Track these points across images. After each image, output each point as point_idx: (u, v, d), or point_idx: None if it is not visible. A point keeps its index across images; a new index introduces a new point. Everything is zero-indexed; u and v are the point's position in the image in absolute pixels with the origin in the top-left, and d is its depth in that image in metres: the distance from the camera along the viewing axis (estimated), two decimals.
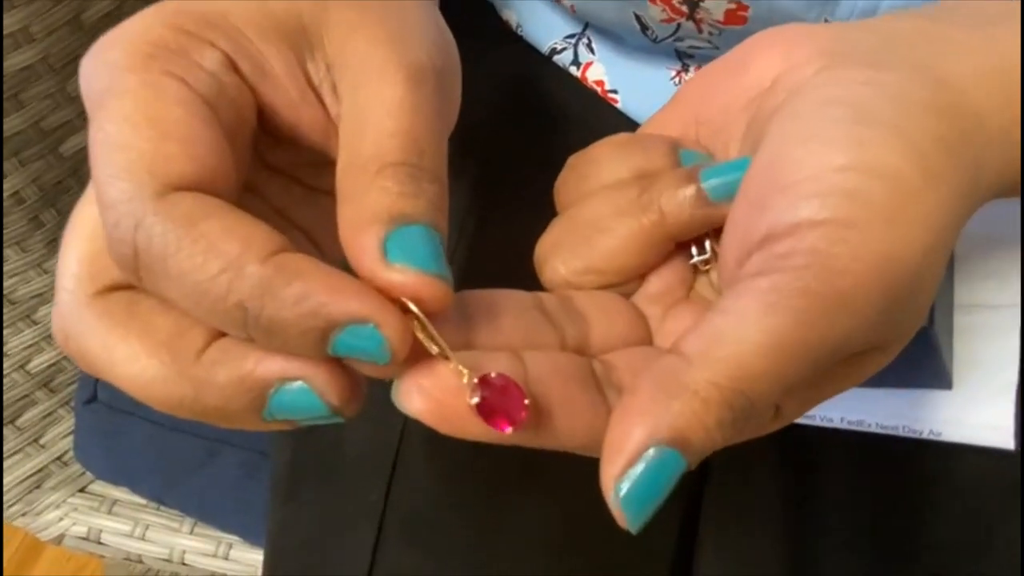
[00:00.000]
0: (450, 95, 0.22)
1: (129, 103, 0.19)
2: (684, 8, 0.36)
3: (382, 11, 0.21)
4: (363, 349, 0.18)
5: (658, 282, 0.24)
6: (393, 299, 0.18)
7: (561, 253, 0.24)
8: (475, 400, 0.18)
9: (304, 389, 0.19)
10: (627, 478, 0.18)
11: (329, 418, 0.19)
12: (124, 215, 0.18)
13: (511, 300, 0.22)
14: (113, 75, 0.19)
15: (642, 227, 0.23)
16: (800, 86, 0.21)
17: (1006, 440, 0.35)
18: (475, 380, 0.19)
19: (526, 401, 0.19)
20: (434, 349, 0.19)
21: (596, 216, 0.23)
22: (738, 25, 0.36)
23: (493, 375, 0.19)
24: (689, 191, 0.22)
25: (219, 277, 0.17)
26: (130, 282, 0.19)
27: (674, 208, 0.23)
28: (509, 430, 0.19)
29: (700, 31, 0.38)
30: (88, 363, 0.20)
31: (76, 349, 0.20)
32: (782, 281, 0.19)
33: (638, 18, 0.38)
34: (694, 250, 0.24)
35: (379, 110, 0.20)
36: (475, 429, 0.19)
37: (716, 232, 0.23)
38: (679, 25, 0.38)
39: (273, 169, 0.23)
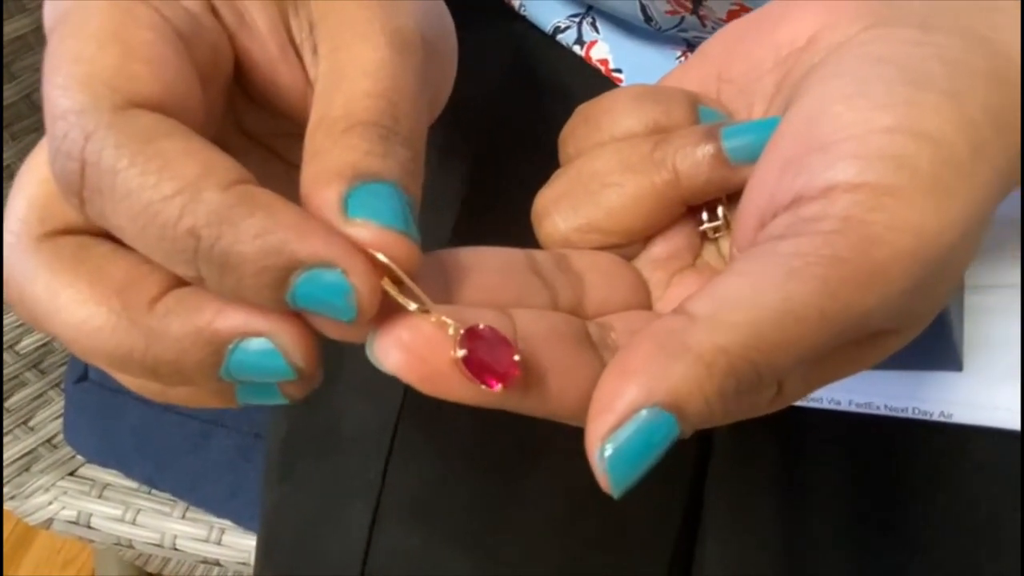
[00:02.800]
0: (439, 71, 0.21)
1: (96, 19, 0.17)
2: (688, 3, 0.36)
3: None
4: (326, 300, 0.16)
5: (663, 246, 0.23)
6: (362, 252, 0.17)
7: (562, 208, 0.22)
8: (461, 353, 0.17)
9: (267, 347, 0.17)
10: (614, 438, 0.17)
11: (289, 384, 0.18)
12: (74, 125, 0.16)
13: (498, 257, 0.20)
14: None
15: (653, 185, 0.21)
16: (842, 44, 0.20)
17: (1018, 421, 0.34)
18: (461, 332, 0.17)
19: (516, 357, 0.17)
20: (411, 305, 0.17)
21: (604, 170, 0.22)
22: None
23: (481, 326, 0.17)
24: (707, 150, 0.21)
25: (173, 199, 0.16)
26: (81, 226, 0.18)
27: (689, 167, 0.21)
28: (499, 388, 0.17)
29: (704, 25, 0.37)
30: (29, 310, 0.18)
31: (17, 295, 0.18)
32: (808, 246, 0.17)
33: (643, 8, 0.38)
34: (704, 215, 0.23)
35: (356, 70, 0.18)
36: (459, 387, 0.17)
37: (729, 198, 0.22)
38: (683, 18, 0.37)
39: (251, 137, 0.22)
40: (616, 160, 0.22)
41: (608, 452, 0.17)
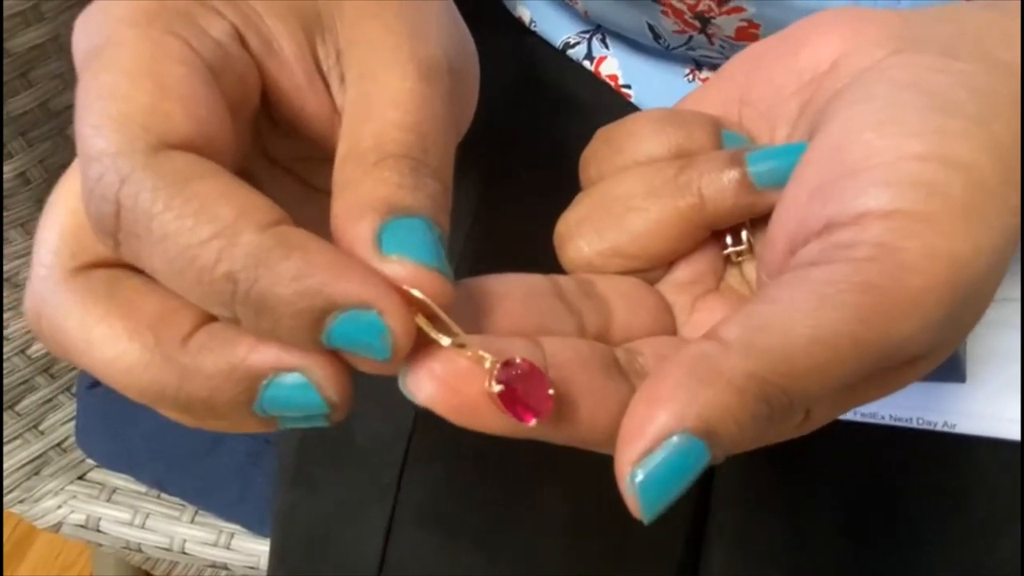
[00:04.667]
0: (464, 98, 0.21)
1: (128, 54, 0.17)
2: (696, 23, 0.36)
3: (401, 2, 0.20)
4: (362, 340, 0.16)
5: (687, 270, 0.22)
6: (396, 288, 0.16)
7: (586, 231, 0.22)
8: (498, 388, 0.16)
9: (300, 382, 0.17)
10: (645, 464, 0.16)
11: (321, 418, 0.18)
12: (110, 168, 0.16)
13: (524, 284, 0.20)
14: (112, 28, 0.17)
15: (678, 210, 0.21)
16: (867, 70, 0.20)
17: (1019, 432, 0.35)
18: (497, 365, 0.17)
19: (551, 391, 0.17)
20: (443, 340, 0.17)
21: (628, 194, 0.22)
22: (750, 41, 0.36)
23: (518, 359, 0.17)
24: (733, 175, 0.21)
25: (210, 242, 0.16)
26: (112, 258, 0.18)
27: (715, 192, 0.21)
28: (534, 422, 0.17)
29: (712, 44, 0.38)
30: (61, 345, 0.18)
31: (49, 329, 0.18)
32: (841, 273, 0.17)
33: (651, 27, 0.39)
34: (728, 239, 0.23)
35: (385, 100, 0.18)
36: (493, 419, 0.17)
37: (752, 222, 0.22)
38: (691, 37, 0.38)
39: (272, 161, 0.22)
40: (640, 184, 0.22)
41: (639, 478, 0.16)
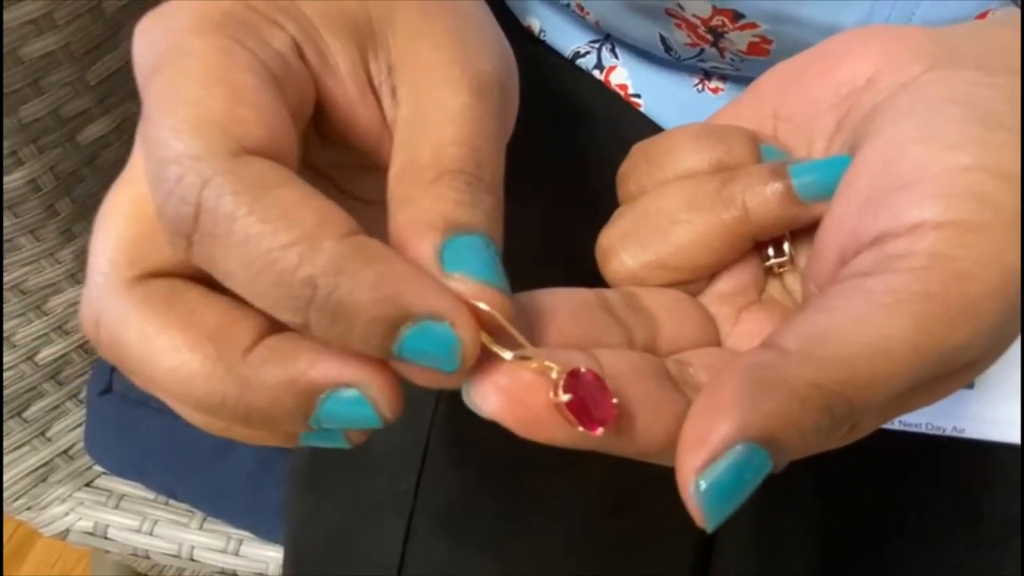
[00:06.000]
0: (509, 110, 0.21)
1: (200, 63, 0.17)
2: (709, 36, 0.37)
3: (450, 18, 0.20)
4: (431, 352, 0.16)
5: (729, 282, 0.23)
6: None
7: (629, 245, 0.22)
8: (566, 398, 0.17)
9: (357, 397, 0.17)
10: (709, 473, 0.16)
11: (356, 430, 0.18)
12: (190, 170, 0.16)
13: (572, 298, 0.20)
14: (179, 38, 0.18)
15: (722, 223, 0.22)
16: (906, 85, 0.20)
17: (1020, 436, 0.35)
18: (564, 376, 0.17)
19: (614, 400, 0.17)
20: (506, 355, 0.17)
21: (671, 207, 0.22)
22: (761, 56, 0.36)
23: (583, 370, 0.17)
24: (777, 187, 0.21)
25: (291, 248, 0.16)
26: (170, 268, 0.18)
27: (759, 205, 0.21)
28: (600, 431, 0.17)
29: (723, 57, 0.38)
30: (119, 353, 0.18)
31: (108, 338, 0.18)
32: (899, 282, 0.17)
33: (663, 39, 0.39)
34: (771, 250, 0.23)
35: (441, 117, 0.18)
36: (558, 430, 0.17)
37: (793, 233, 0.23)
38: (702, 50, 0.38)
39: (314, 169, 0.22)
40: (683, 197, 0.22)
41: (703, 487, 0.16)
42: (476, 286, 0.17)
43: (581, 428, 0.17)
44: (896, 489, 0.37)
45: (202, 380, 0.17)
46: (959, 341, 0.18)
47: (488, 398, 0.17)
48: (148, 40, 0.18)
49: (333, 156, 0.22)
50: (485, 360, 0.17)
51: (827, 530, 0.37)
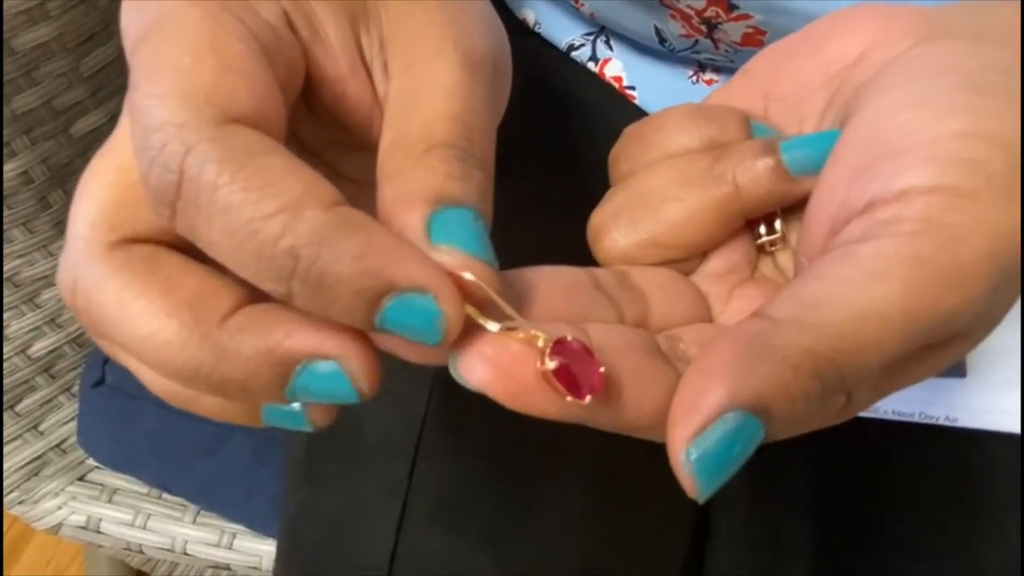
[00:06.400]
0: (502, 89, 0.21)
1: (188, 31, 0.17)
2: (703, 28, 0.37)
3: None
4: (413, 324, 0.16)
5: (721, 260, 0.23)
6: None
7: (621, 223, 0.22)
8: (552, 365, 0.16)
9: (334, 371, 0.17)
10: (700, 441, 0.16)
11: (318, 411, 0.18)
12: (174, 137, 0.16)
13: (562, 276, 0.20)
14: (168, 6, 0.17)
15: (714, 200, 0.21)
16: (897, 58, 0.20)
17: (1019, 425, 0.35)
18: (550, 344, 0.17)
19: (602, 369, 0.17)
20: (491, 326, 0.17)
21: (663, 185, 0.22)
22: (755, 47, 0.37)
23: (569, 338, 0.17)
24: (767, 163, 0.21)
25: (275, 216, 0.15)
26: (151, 235, 0.18)
27: (750, 181, 0.21)
28: (589, 398, 0.17)
29: (717, 48, 0.38)
30: (95, 319, 0.18)
31: (84, 302, 0.18)
32: (889, 247, 0.17)
33: (658, 31, 0.39)
34: (762, 228, 0.23)
35: (432, 91, 0.18)
36: (547, 402, 0.17)
37: (784, 211, 0.23)
38: (697, 41, 0.38)
39: (304, 147, 0.22)
40: (675, 175, 0.22)
41: (694, 456, 0.16)
42: (463, 258, 0.17)
43: (569, 397, 0.17)
44: (890, 478, 0.37)
45: (178, 346, 0.17)
46: (950, 306, 0.17)
47: (475, 370, 0.17)
48: (137, 8, 0.18)
49: (323, 133, 0.21)
50: (472, 333, 0.17)
51: (820, 521, 0.38)
